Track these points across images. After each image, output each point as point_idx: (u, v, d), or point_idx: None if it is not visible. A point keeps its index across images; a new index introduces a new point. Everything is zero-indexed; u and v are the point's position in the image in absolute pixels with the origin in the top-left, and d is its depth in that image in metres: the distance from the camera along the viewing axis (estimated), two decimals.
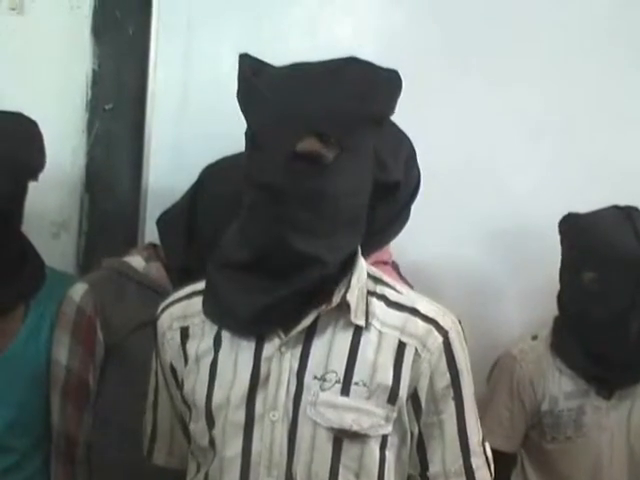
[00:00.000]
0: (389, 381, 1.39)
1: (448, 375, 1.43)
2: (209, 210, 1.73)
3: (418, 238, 2.01)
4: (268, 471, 1.38)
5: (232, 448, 1.39)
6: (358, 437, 1.38)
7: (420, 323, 1.42)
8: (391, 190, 1.66)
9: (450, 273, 2.26)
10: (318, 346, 1.39)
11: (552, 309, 2.08)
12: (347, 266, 1.41)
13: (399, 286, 1.48)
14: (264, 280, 1.37)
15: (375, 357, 1.39)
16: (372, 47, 2.14)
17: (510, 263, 2.28)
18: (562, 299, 2.06)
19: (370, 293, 1.43)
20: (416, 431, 1.44)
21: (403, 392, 1.40)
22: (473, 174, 2.25)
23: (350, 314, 1.39)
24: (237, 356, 1.41)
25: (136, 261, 1.82)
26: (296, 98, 1.32)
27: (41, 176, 1.77)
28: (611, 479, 2.02)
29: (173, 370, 1.49)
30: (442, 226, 2.23)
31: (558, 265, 2.06)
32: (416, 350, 1.41)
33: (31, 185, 1.77)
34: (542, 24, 2.28)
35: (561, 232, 2.04)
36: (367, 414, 1.38)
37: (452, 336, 1.43)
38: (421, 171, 1.76)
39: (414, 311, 1.43)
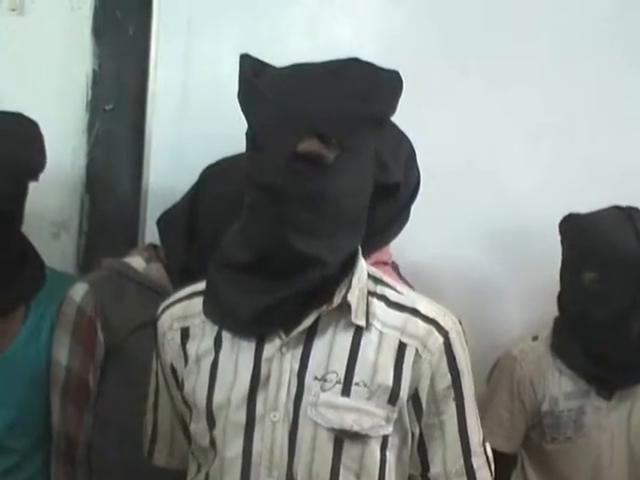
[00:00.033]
0: (390, 382, 1.39)
1: (449, 376, 1.43)
2: (209, 210, 1.73)
3: (418, 239, 2.01)
4: (269, 472, 1.38)
5: (233, 448, 1.39)
6: (359, 438, 1.38)
7: (421, 324, 1.42)
8: (391, 191, 1.66)
9: (450, 274, 2.26)
10: (319, 347, 1.39)
11: (552, 310, 2.08)
12: (348, 266, 1.41)
13: (399, 286, 1.48)
14: (265, 281, 1.37)
15: (376, 357, 1.39)
16: (372, 48, 2.14)
17: (510, 264, 2.28)
18: (562, 300, 2.06)
19: (371, 293, 1.43)
20: (417, 432, 1.44)
21: (404, 393, 1.40)
22: (473, 175, 2.25)
23: (351, 314, 1.39)
24: (238, 357, 1.41)
25: (136, 261, 1.82)
26: (297, 99, 1.32)
27: (41, 176, 1.77)
28: (611, 479, 2.02)
29: (173, 370, 1.49)
30: (442, 227, 2.23)
31: (558, 266, 2.06)
32: (417, 351, 1.41)
33: (31, 185, 1.77)
34: (542, 25, 2.28)
35: (561, 233, 2.04)
36: (368, 415, 1.38)
37: (453, 336, 1.43)
38: (421, 172, 1.76)
39: (415, 311, 1.43)
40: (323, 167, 1.33)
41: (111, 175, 2.20)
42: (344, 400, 1.38)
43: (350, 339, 1.40)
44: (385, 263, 1.75)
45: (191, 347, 1.45)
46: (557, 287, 2.07)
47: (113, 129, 2.20)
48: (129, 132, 2.20)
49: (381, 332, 1.41)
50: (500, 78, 2.26)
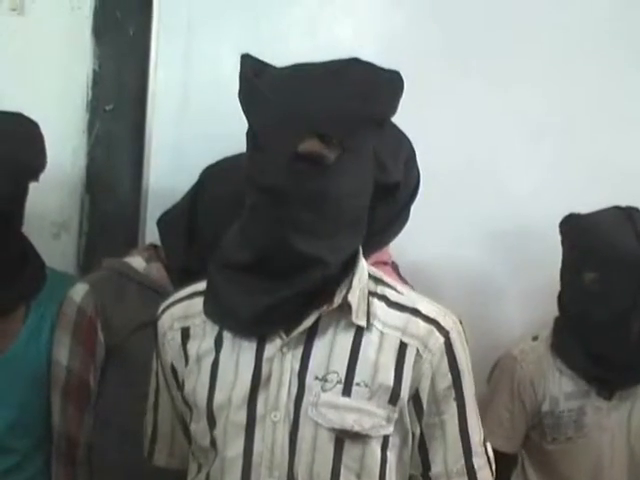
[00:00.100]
0: (390, 382, 1.39)
1: (450, 376, 1.43)
2: (209, 211, 1.73)
3: (419, 239, 2.02)
4: (269, 472, 1.38)
5: (233, 448, 1.39)
6: (359, 438, 1.38)
7: (421, 324, 1.42)
8: (391, 191, 1.65)
9: (450, 274, 2.26)
10: (319, 347, 1.39)
11: (553, 310, 2.08)
12: (348, 267, 1.41)
13: (400, 287, 1.48)
14: (265, 281, 1.37)
15: (376, 358, 1.39)
16: (372, 48, 2.14)
17: (511, 264, 2.28)
18: (563, 300, 2.06)
19: (371, 294, 1.43)
20: (417, 432, 1.44)
21: (404, 393, 1.40)
22: (474, 175, 2.25)
23: (351, 315, 1.39)
24: (238, 357, 1.41)
25: (137, 262, 1.82)
26: (298, 99, 1.32)
27: (42, 177, 1.77)
28: (612, 479, 2.02)
29: (174, 370, 1.48)
30: (443, 227, 2.23)
31: (559, 266, 2.06)
32: (417, 351, 1.41)
33: (31, 186, 1.77)
34: (542, 25, 2.28)
35: (562, 233, 2.04)
36: (368, 415, 1.38)
37: (453, 336, 1.43)
38: (422, 172, 1.76)
39: (415, 312, 1.43)
40: (324, 167, 1.33)
41: (111, 175, 2.20)
42: (345, 400, 1.38)
43: (351, 339, 1.40)
44: (385, 263, 1.75)
45: (192, 347, 1.45)
46: (557, 287, 2.07)
47: (113, 129, 2.20)
48: (129, 132, 2.20)
49: (382, 332, 1.41)
50: (501, 78, 2.26)
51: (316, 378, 1.38)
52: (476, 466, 1.46)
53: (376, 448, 1.40)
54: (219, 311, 1.42)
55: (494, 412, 2.04)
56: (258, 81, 1.35)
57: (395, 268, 1.83)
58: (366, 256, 1.48)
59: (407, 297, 1.45)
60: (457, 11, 2.25)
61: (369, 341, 1.40)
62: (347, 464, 1.39)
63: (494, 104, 2.25)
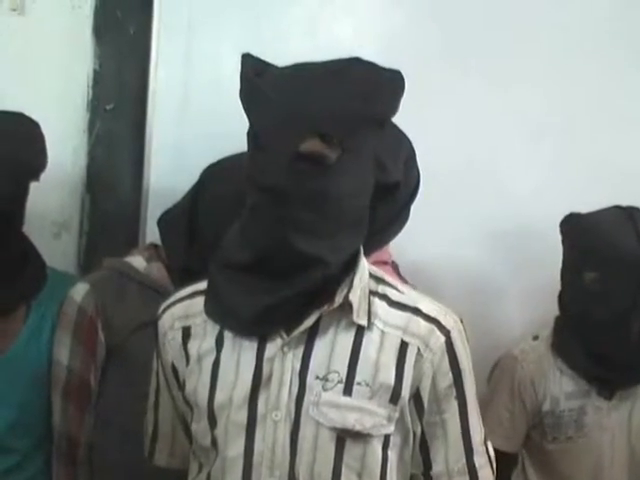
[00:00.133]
0: (391, 381, 1.39)
1: (450, 375, 1.43)
2: (210, 210, 1.73)
3: (420, 238, 2.02)
4: (270, 471, 1.38)
5: (234, 448, 1.39)
6: (361, 437, 1.38)
7: (422, 323, 1.42)
8: (391, 190, 1.65)
9: (451, 273, 2.26)
10: (320, 346, 1.39)
11: (553, 309, 2.08)
12: (349, 266, 1.41)
13: (401, 286, 1.48)
14: (266, 281, 1.37)
15: (377, 357, 1.39)
16: (372, 48, 2.13)
17: (511, 263, 2.28)
18: (563, 299, 2.06)
19: (372, 293, 1.43)
20: (419, 431, 1.44)
21: (405, 392, 1.40)
22: (474, 175, 2.25)
23: (352, 314, 1.39)
24: (239, 356, 1.41)
25: (137, 261, 1.82)
26: (299, 98, 1.32)
27: (42, 176, 1.77)
28: (612, 479, 2.02)
29: (174, 370, 1.48)
30: (443, 227, 2.23)
31: (559, 265, 2.05)
32: (418, 350, 1.41)
33: (32, 185, 1.78)
34: (542, 25, 2.28)
35: (562, 232, 2.04)
36: (370, 414, 1.38)
37: (454, 335, 1.43)
38: (422, 172, 1.76)
39: (416, 311, 1.43)
40: (325, 167, 1.33)
41: (112, 175, 2.20)
42: (346, 399, 1.38)
43: (352, 339, 1.40)
44: (385, 263, 1.75)
45: (192, 347, 1.45)
46: (558, 287, 2.07)
47: (114, 129, 2.20)
48: (130, 132, 2.20)
49: (383, 331, 1.41)
50: (501, 78, 2.26)
51: (317, 377, 1.38)
52: (477, 465, 1.46)
53: (377, 447, 1.40)
54: (220, 311, 1.42)
55: (494, 411, 2.04)
56: (259, 81, 1.35)
57: (395, 268, 1.83)
58: (366, 256, 1.48)
59: (408, 296, 1.45)
60: (457, 11, 2.25)
61: (370, 340, 1.40)
62: (348, 463, 1.39)
63: (494, 104, 2.25)
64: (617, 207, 2.01)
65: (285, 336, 1.39)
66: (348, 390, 1.38)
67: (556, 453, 2.03)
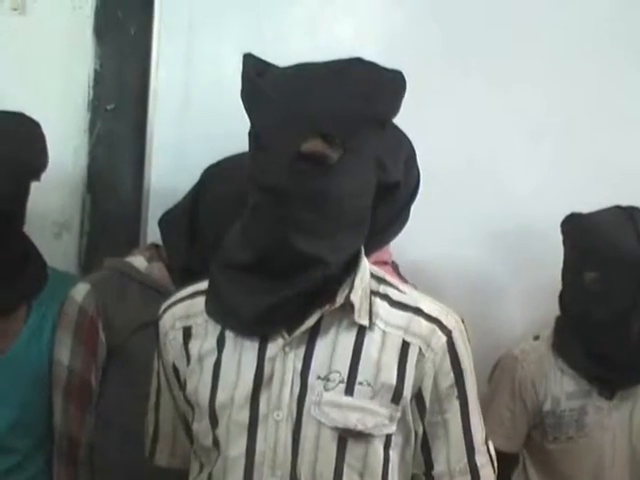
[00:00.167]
0: (393, 381, 1.39)
1: (452, 374, 1.43)
2: (211, 210, 1.73)
3: (420, 239, 2.02)
4: (272, 471, 1.38)
5: (236, 448, 1.39)
6: (362, 437, 1.38)
7: (424, 323, 1.42)
8: (391, 190, 1.65)
9: (451, 273, 2.26)
10: (322, 346, 1.39)
11: (554, 309, 2.08)
12: (350, 266, 1.41)
13: (402, 286, 1.49)
14: (267, 281, 1.37)
15: (379, 357, 1.39)
16: (373, 48, 2.14)
17: (512, 263, 2.28)
18: (564, 299, 2.06)
19: (373, 293, 1.43)
20: (420, 430, 1.44)
21: (407, 392, 1.40)
22: (474, 175, 2.25)
23: (354, 314, 1.39)
24: (241, 356, 1.41)
25: (138, 261, 1.82)
26: (300, 98, 1.32)
27: (43, 176, 1.77)
28: (613, 479, 2.02)
29: (175, 370, 1.48)
30: (444, 227, 2.23)
31: (560, 265, 2.05)
32: (420, 350, 1.41)
33: (33, 185, 1.78)
34: (543, 25, 2.28)
35: (563, 232, 2.04)
36: (371, 414, 1.38)
37: (455, 335, 1.43)
38: (422, 172, 1.76)
39: (418, 311, 1.43)
40: (326, 167, 1.33)
41: (113, 175, 2.20)
42: (348, 399, 1.38)
43: (353, 339, 1.40)
44: (385, 263, 1.75)
45: (194, 346, 1.45)
46: (559, 287, 2.07)
47: (115, 129, 2.20)
48: (131, 132, 2.20)
49: (384, 331, 1.41)
50: (501, 78, 2.26)
51: (318, 377, 1.38)
52: (479, 464, 1.47)
53: (379, 447, 1.40)
54: (221, 311, 1.42)
55: (495, 411, 2.04)
56: (261, 81, 1.35)
57: (395, 268, 1.84)
58: (366, 256, 1.48)
59: (409, 296, 1.45)
60: (457, 11, 2.25)
61: (371, 340, 1.40)
62: (350, 463, 1.39)
63: (494, 104, 2.25)
64: (617, 207, 2.01)
65: (286, 336, 1.39)
66: (350, 390, 1.38)
67: (557, 453, 2.03)
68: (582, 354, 2.00)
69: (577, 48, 2.29)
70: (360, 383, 1.38)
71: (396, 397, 1.39)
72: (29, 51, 2.14)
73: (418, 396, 1.42)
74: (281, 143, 1.32)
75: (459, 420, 1.45)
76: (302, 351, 1.39)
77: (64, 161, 2.16)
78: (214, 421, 1.41)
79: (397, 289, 1.46)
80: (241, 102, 1.38)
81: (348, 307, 1.39)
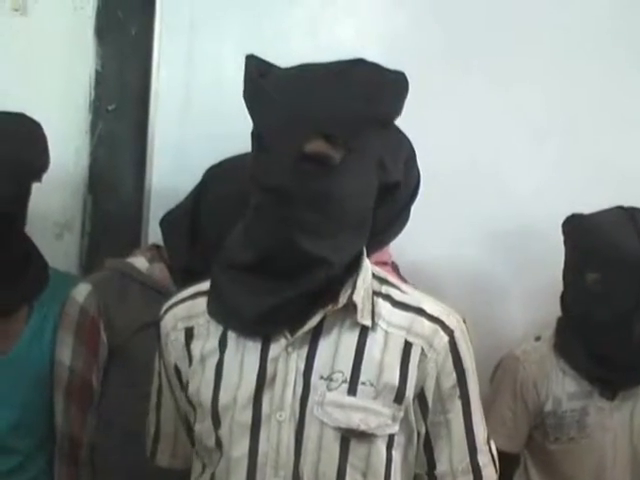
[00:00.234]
0: (396, 381, 1.39)
1: (454, 374, 1.43)
2: (213, 211, 1.73)
3: (422, 239, 2.02)
4: (275, 471, 1.38)
5: (239, 448, 1.39)
6: (365, 437, 1.38)
7: (426, 323, 1.42)
8: (391, 191, 1.65)
9: (452, 274, 2.26)
10: (324, 346, 1.39)
11: (555, 310, 2.08)
12: (353, 267, 1.41)
13: (404, 286, 1.49)
14: (269, 281, 1.37)
15: (381, 357, 1.39)
16: (374, 48, 2.13)
17: (513, 264, 2.28)
18: (565, 300, 2.06)
19: (376, 293, 1.43)
20: (423, 430, 1.44)
21: (410, 392, 1.40)
22: (476, 175, 2.25)
23: (356, 314, 1.39)
24: (243, 357, 1.40)
25: (139, 262, 1.82)
26: (303, 99, 1.32)
27: (44, 177, 1.77)
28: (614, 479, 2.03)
29: (177, 371, 1.48)
30: (445, 227, 2.23)
31: (561, 266, 2.05)
32: (422, 350, 1.41)
33: (34, 186, 1.77)
34: (544, 26, 2.28)
35: (564, 233, 2.04)
36: (374, 414, 1.38)
37: (457, 335, 1.43)
38: (424, 172, 1.76)
39: (420, 311, 1.43)
40: (329, 168, 1.33)
41: (114, 175, 2.20)
42: (350, 399, 1.38)
43: (356, 339, 1.40)
44: (385, 263, 1.75)
45: (195, 347, 1.45)
46: (560, 287, 2.07)
47: (116, 129, 2.20)
48: (132, 132, 2.20)
49: (387, 332, 1.41)
50: (503, 78, 2.26)
51: (321, 377, 1.38)
52: (481, 464, 1.47)
53: (382, 447, 1.40)
54: (223, 311, 1.42)
55: (497, 412, 2.04)
56: (263, 81, 1.35)
57: (395, 268, 1.84)
58: (367, 256, 1.48)
59: (411, 297, 1.45)
60: (459, 11, 2.25)
61: (374, 341, 1.40)
62: (353, 463, 1.39)
63: (496, 104, 2.26)
64: (619, 208, 2.01)
65: (289, 336, 1.39)
66: (352, 390, 1.38)
67: (558, 453, 2.03)
68: (583, 355, 2.00)
69: (579, 48, 2.29)
70: (363, 383, 1.38)
71: (399, 397, 1.39)
72: (30, 52, 2.14)
73: (420, 396, 1.42)
74: (284, 144, 1.32)
75: (461, 420, 1.45)
76: (305, 351, 1.39)
77: (65, 162, 2.16)
78: (217, 422, 1.41)
79: (399, 289, 1.46)
80: (242, 102, 1.38)
81: (351, 307, 1.39)
